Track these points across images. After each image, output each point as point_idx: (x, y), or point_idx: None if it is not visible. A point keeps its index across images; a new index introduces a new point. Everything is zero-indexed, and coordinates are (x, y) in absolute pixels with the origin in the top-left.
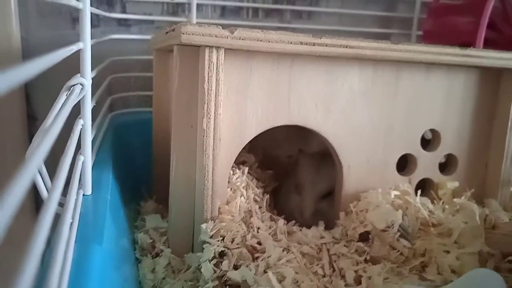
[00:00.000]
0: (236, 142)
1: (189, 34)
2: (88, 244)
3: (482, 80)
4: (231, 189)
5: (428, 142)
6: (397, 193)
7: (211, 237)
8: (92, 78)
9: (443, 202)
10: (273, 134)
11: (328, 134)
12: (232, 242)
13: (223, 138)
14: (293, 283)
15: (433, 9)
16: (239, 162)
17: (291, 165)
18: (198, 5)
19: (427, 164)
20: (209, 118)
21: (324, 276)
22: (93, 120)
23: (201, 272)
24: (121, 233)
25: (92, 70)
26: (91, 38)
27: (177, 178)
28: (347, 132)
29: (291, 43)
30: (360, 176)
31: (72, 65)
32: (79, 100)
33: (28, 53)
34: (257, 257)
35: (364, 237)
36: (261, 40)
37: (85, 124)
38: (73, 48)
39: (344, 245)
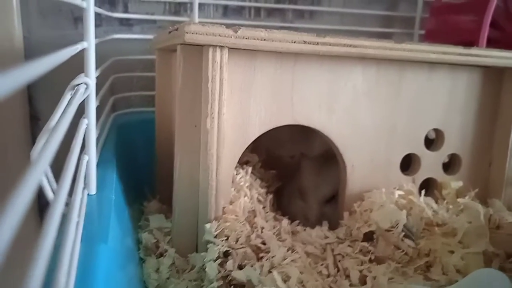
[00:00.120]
0: (239, 141)
1: (192, 33)
2: (94, 243)
3: (485, 79)
4: (234, 189)
5: (432, 142)
6: (401, 192)
7: (215, 237)
8: (95, 78)
9: (447, 202)
10: (276, 134)
11: (332, 133)
12: (236, 242)
13: (227, 137)
14: (298, 283)
15: (435, 8)
16: (242, 162)
17: (294, 165)
18: (200, 5)
19: (430, 164)
20: (212, 117)
21: (328, 276)
22: (97, 120)
23: (206, 272)
24: (125, 232)
25: (95, 70)
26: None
27: (181, 178)
28: (351, 131)
29: (294, 42)
30: (364, 175)
31: (73, 65)
32: (83, 100)
33: (30, 52)
34: (262, 257)
35: (369, 237)
36: (264, 39)
37: (90, 124)
38: (77, 47)
39: (349, 245)
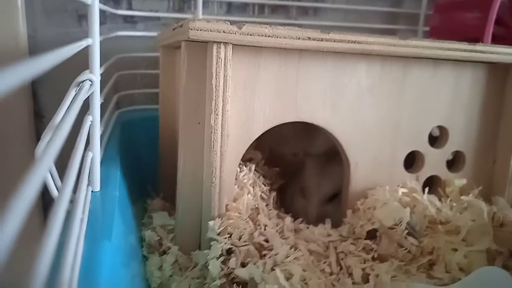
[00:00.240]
0: (243, 138)
1: (197, 29)
2: (98, 240)
3: (490, 75)
4: (238, 186)
5: (435, 139)
6: (404, 190)
7: (218, 234)
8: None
9: (450, 200)
10: (280, 131)
11: (335, 130)
12: (239, 239)
13: (231, 134)
14: (300, 281)
15: (440, 5)
16: (246, 159)
17: (297, 163)
18: (204, 2)
19: (434, 161)
20: (217, 114)
21: (331, 274)
22: (101, 117)
23: (209, 270)
24: (129, 230)
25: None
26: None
27: (185, 175)
28: (355, 128)
29: (299, 38)
30: (367, 173)
31: (78, 63)
32: (87, 97)
33: (35, 51)
34: (265, 255)
35: (372, 234)
36: (269, 36)
37: (94, 121)
38: (82, 44)
39: (352, 243)
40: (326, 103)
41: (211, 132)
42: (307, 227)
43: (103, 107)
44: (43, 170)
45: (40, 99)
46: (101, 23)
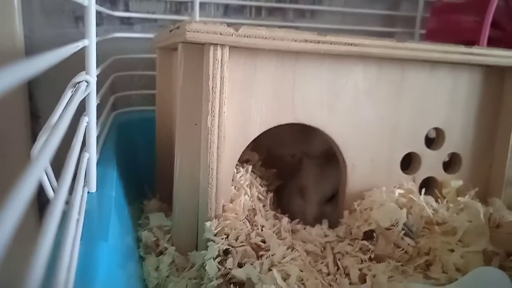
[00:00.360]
0: (240, 140)
1: (194, 31)
2: (94, 241)
3: (487, 78)
4: (235, 187)
5: (432, 141)
6: (401, 191)
7: (215, 235)
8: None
9: (447, 201)
10: (277, 132)
11: (333, 132)
12: (236, 240)
13: (228, 136)
14: (297, 281)
15: (437, 8)
16: (243, 161)
17: (295, 164)
18: (201, 4)
19: (431, 163)
20: (213, 116)
21: (328, 274)
22: (97, 118)
23: (206, 270)
24: (125, 230)
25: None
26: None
27: (181, 176)
28: (352, 130)
29: (296, 41)
30: (364, 174)
31: (74, 64)
32: (84, 98)
33: (31, 52)
34: (262, 255)
35: (369, 235)
36: (265, 38)
37: (90, 122)
38: (79, 45)
39: (349, 244)
40: (323, 105)
41: (208, 134)
42: (304, 228)
43: (100, 108)
44: (39, 171)
45: (36, 100)
46: (98, 25)
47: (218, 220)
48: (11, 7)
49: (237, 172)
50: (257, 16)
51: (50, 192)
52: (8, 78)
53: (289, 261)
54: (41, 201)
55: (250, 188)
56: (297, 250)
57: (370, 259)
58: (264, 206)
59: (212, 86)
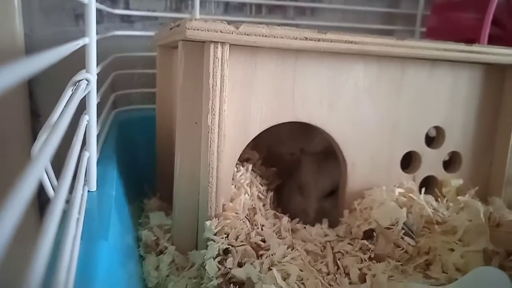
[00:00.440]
0: (240, 138)
1: (194, 29)
2: (95, 240)
3: (487, 76)
4: (235, 186)
5: (432, 140)
6: (401, 190)
7: (215, 234)
8: (96, 75)
9: (447, 200)
10: (277, 131)
11: (333, 130)
12: (236, 239)
13: (228, 134)
14: (297, 281)
15: (437, 6)
16: (243, 159)
17: (294, 163)
18: (201, 1)
19: (431, 162)
20: (213, 114)
21: (328, 273)
22: (97, 117)
23: (205, 270)
24: (125, 229)
25: (96, 66)
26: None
27: (181, 175)
28: (352, 128)
29: (296, 38)
30: (364, 173)
31: (74, 62)
32: (84, 96)
33: (31, 50)
34: (262, 255)
35: (368, 234)
36: (266, 36)
37: (91, 120)
38: (79, 43)
39: (348, 243)
40: (323, 103)
41: (208, 132)
42: (304, 227)
43: (100, 106)
44: (39, 170)
45: (36, 98)
46: (98, 23)
47: (218, 219)
48: (11, 6)
49: (237, 171)
50: (257, 14)
51: (50, 191)
52: (8, 77)
53: (289, 261)
54: (41, 200)
55: (250, 187)
56: (297, 249)
57: (370, 258)
58: (264, 205)
59: (213, 84)
